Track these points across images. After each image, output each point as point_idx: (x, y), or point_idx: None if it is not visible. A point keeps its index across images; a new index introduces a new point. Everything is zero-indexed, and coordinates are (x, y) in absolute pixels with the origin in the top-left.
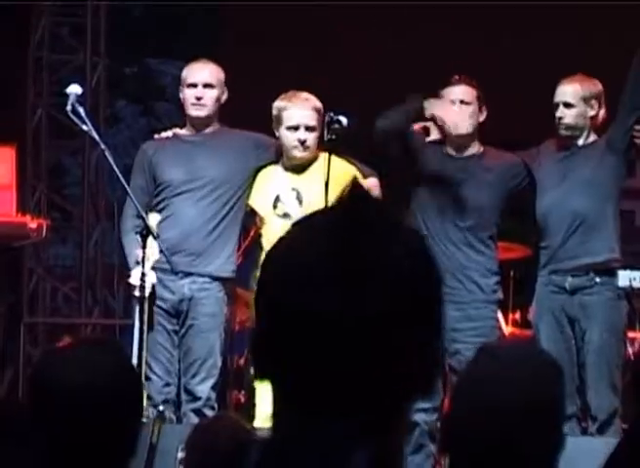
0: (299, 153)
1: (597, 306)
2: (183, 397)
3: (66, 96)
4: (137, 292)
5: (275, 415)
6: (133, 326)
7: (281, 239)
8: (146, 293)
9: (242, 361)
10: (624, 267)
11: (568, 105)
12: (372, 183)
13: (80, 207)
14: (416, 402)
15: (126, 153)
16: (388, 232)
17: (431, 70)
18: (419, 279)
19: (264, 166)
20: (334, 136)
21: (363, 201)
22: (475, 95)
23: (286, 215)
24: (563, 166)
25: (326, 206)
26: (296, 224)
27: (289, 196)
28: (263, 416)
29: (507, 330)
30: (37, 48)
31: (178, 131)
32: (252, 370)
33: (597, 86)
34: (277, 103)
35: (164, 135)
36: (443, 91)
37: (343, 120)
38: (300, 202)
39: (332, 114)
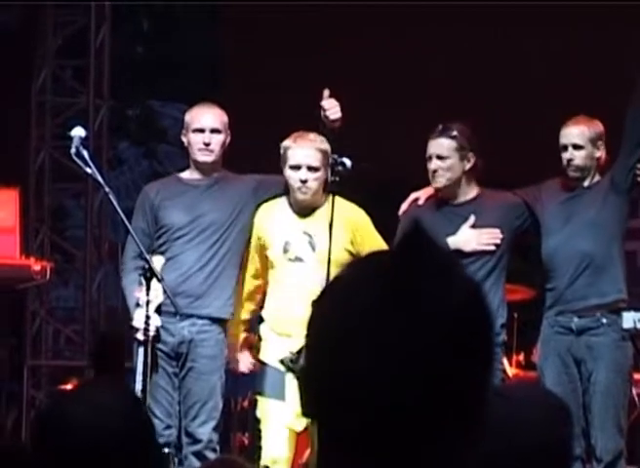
0: (300, 195)
1: (603, 347)
2: (184, 440)
3: (70, 138)
4: (140, 335)
5: (321, 457)
6: (134, 368)
7: (334, 280)
8: (150, 337)
9: (246, 403)
10: (628, 309)
11: (577, 147)
12: None
13: (83, 249)
14: (462, 447)
15: (128, 195)
16: (447, 278)
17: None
18: (476, 328)
19: (267, 200)
20: (337, 178)
21: (421, 242)
22: (454, 146)
23: (298, 259)
24: (568, 207)
25: (370, 250)
26: (350, 265)
27: (300, 240)
28: (269, 459)
29: (511, 371)
30: (40, 91)
31: (181, 174)
32: (256, 412)
33: (600, 127)
34: (284, 143)
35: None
36: (428, 143)
37: (347, 162)
38: (313, 247)
39: (336, 156)
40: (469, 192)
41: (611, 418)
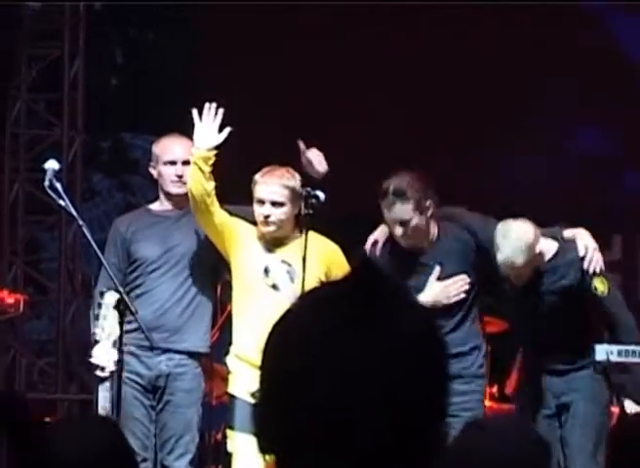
0: (263, 228)
1: (581, 380)
2: None
3: (44, 171)
4: (99, 372)
5: None
6: (95, 405)
7: (287, 312)
8: (109, 373)
9: (219, 436)
10: (601, 341)
11: None
12: None
13: (56, 282)
14: None
15: (102, 228)
16: (399, 308)
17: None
18: (430, 359)
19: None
20: (311, 211)
21: (374, 274)
22: (411, 208)
23: (275, 287)
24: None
25: (327, 279)
26: (302, 297)
27: (279, 268)
28: None
29: (486, 403)
30: (14, 123)
31: (150, 206)
32: (228, 446)
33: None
34: (254, 177)
35: None
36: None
37: (321, 195)
38: (292, 278)
39: (309, 189)
40: (431, 234)
41: (589, 452)
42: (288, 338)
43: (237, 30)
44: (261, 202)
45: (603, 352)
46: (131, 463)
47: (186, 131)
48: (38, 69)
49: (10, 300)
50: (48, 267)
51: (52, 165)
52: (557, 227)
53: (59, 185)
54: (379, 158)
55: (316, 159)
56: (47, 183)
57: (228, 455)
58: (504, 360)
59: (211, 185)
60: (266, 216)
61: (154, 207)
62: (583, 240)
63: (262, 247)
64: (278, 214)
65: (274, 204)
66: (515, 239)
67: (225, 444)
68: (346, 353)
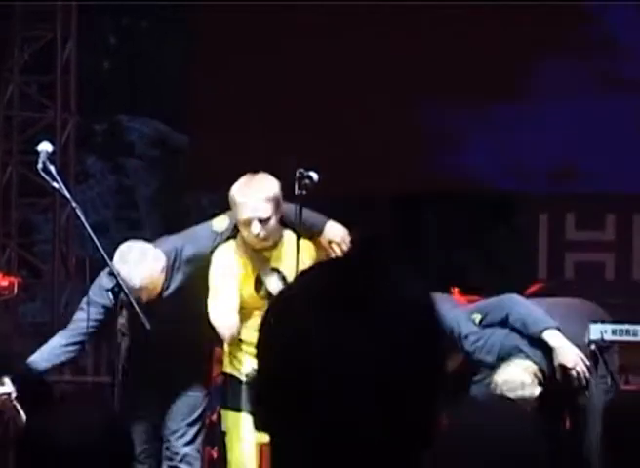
0: (259, 244)
1: None
2: (163, 453)
3: (37, 153)
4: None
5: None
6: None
7: (286, 292)
8: None
9: (214, 417)
10: (595, 321)
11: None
12: None
13: (50, 264)
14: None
15: (95, 210)
16: (400, 289)
17: None
18: (428, 341)
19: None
20: (304, 192)
21: (376, 246)
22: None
23: (270, 296)
24: None
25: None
26: (304, 273)
27: (271, 277)
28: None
29: None
30: (7, 105)
31: None
32: (222, 426)
33: None
34: (231, 193)
35: None
36: None
37: (314, 175)
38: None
39: (302, 170)
40: None
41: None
42: (285, 319)
43: (232, 22)
44: (248, 222)
45: (597, 331)
46: (127, 448)
47: (182, 114)
48: (31, 52)
49: (4, 283)
50: (42, 249)
51: (45, 147)
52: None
53: (52, 167)
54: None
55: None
56: (40, 166)
57: (222, 434)
58: None
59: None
60: (256, 235)
61: None
62: (565, 357)
63: (251, 258)
64: (268, 229)
65: (261, 221)
66: None
67: (220, 425)
68: (342, 334)
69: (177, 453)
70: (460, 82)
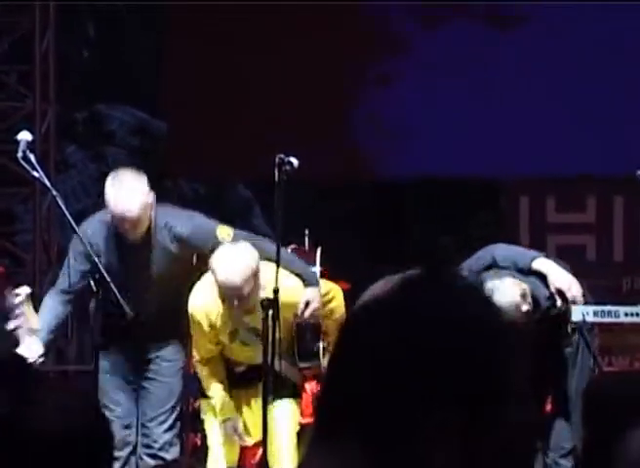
0: (239, 309)
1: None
2: (141, 440)
3: (17, 143)
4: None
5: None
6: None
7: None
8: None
9: (197, 404)
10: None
11: None
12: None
13: (31, 253)
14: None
15: (76, 198)
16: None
17: None
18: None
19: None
20: (285, 178)
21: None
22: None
23: (245, 343)
24: None
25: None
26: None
27: (246, 332)
28: (214, 459)
29: None
30: None
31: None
32: (201, 414)
33: None
34: (212, 266)
35: None
36: None
37: (294, 161)
38: (260, 338)
39: (282, 156)
40: None
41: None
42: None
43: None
44: (229, 297)
45: (579, 312)
46: (107, 434)
47: (158, 102)
48: (9, 41)
49: None
50: (23, 239)
51: (24, 136)
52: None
53: (32, 157)
54: None
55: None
56: (20, 155)
57: (201, 422)
58: None
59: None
60: (238, 306)
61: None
62: (559, 280)
63: (229, 312)
64: (249, 299)
65: (241, 298)
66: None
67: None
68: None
69: (156, 441)
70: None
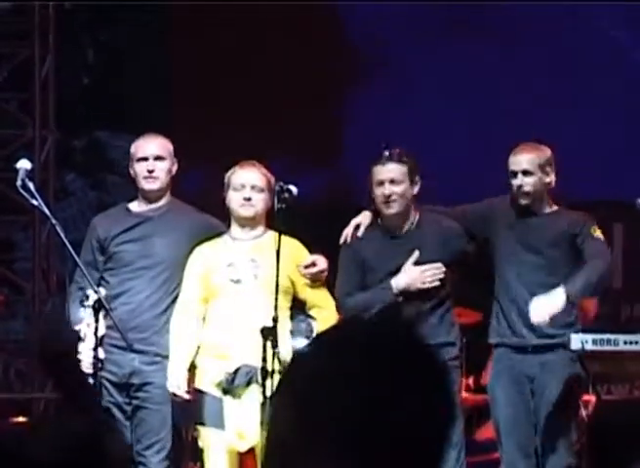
0: (244, 212)
1: (557, 364)
2: None
3: (16, 171)
4: (84, 368)
5: None
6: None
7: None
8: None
9: (195, 433)
10: (577, 330)
11: (526, 173)
12: (321, 261)
13: (31, 281)
14: None
15: (75, 227)
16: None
17: None
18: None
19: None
20: (284, 206)
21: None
22: (404, 171)
23: (238, 282)
24: (521, 235)
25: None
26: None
27: (244, 265)
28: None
29: (461, 395)
30: None
31: (129, 205)
32: (199, 442)
33: (548, 152)
34: (229, 172)
35: None
36: (373, 169)
37: (293, 189)
38: (256, 274)
39: (281, 184)
40: (413, 219)
41: (562, 436)
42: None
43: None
44: (242, 186)
45: (578, 341)
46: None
47: (162, 129)
48: (9, 69)
49: None
50: (22, 267)
51: (24, 164)
52: None
53: (31, 185)
54: None
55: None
56: (19, 183)
57: (200, 451)
58: (480, 351)
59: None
60: (247, 199)
61: (134, 207)
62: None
63: (229, 244)
64: (258, 198)
65: (254, 187)
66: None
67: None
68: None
69: None
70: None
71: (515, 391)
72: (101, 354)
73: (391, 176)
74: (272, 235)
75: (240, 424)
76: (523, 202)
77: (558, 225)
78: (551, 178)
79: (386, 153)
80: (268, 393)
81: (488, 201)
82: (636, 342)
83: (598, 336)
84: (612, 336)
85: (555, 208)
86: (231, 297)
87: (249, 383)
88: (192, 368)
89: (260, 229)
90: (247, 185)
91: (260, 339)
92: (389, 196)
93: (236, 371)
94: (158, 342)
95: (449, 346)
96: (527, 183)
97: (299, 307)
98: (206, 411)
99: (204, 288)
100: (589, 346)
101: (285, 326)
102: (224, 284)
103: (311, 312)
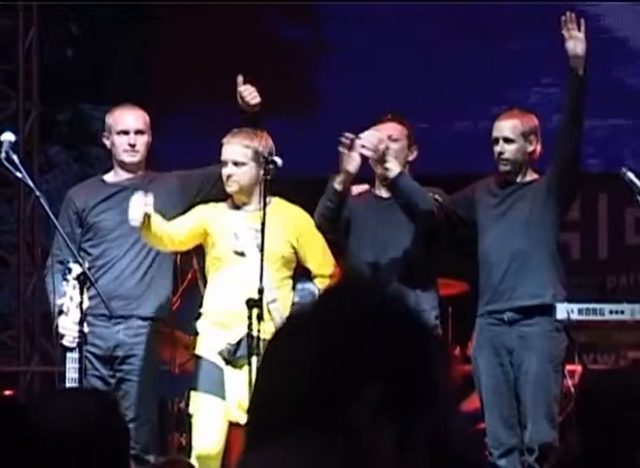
0: (228, 188)
1: (535, 337)
2: None
3: (0, 143)
4: (67, 342)
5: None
6: (63, 375)
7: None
8: (75, 343)
9: (182, 404)
10: (562, 300)
11: (508, 141)
12: None
13: (16, 254)
14: None
15: (60, 199)
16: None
17: None
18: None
19: (210, 201)
20: (269, 177)
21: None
22: (405, 133)
23: (242, 254)
24: (502, 204)
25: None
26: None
27: (247, 235)
28: (199, 451)
29: None
30: None
31: (105, 177)
32: (189, 409)
33: (534, 120)
34: (223, 143)
35: None
36: (373, 127)
37: (278, 161)
38: (258, 244)
39: (266, 155)
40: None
41: (542, 409)
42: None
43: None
44: (225, 163)
45: (564, 310)
46: (123, 436)
47: (143, 101)
48: None
49: None
50: (7, 240)
51: (8, 137)
52: None
53: (15, 157)
54: None
55: (247, 92)
56: (3, 155)
57: (189, 417)
58: (465, 321)
59: (162, 236)
60: (229, 176)
61: (109, 178)
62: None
63: (232, 214)
64: (240, 173)
65: (236, 163)
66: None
67: (188, 411)
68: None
69: (137, 442)
70: None
71: (496, 363)
72: (86, 328)
73: (390, 133)
74: (277, 202)
75: (241, 395)
76: (502, 169)
77: (534, 192)
78: (534, 147)
79: (388, 116)
80: (254, 366)
81: (473, 184)
82: (622, 312)
83: (584, 306)
84: (597, 306)
85: (535, 176)
86: (235, 268)
87: (250, 355)
88: (187, 340)
89: (253, 194)
90: (229, 162)
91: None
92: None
93: (239, 343)
94: (143, 306)
95: (427, 315)
96: (507, 150)
97: (306, 276)
98: (204, 377)
99: (196, 225)
100: (575, 316)
101: (286, 296)
102: (228, 254)
103: (315, 281)
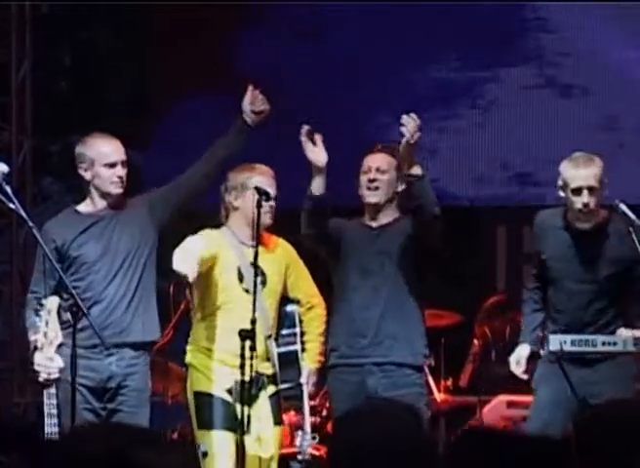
0: (265, 220)
1: (610, 368)
2: None
3: None
4: (42, 378)
5: None
6: (42, 412)
7: None
8: (53, 378)
9: (175, 435)
10: (555, 331)
11: (592, 190)
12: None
13: (9, 284)
14: None
15: None
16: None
17: None
18: None
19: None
20: (260, 209)
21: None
22: (394, 164)
23: (247, 291)
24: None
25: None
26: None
27: (251, 272)
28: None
29: (439, 397)
30: None
31: (78, 208)
32: (201, 447)
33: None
34: (248, 174)
35: None
36: (364, 159)
37: (271, 192)
38: (264, 282)
39: (258, 186)
40: (390, 215)
41: None
42: None
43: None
44: (266, 194)
45: (557, 342)
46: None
47: (135, 135)
48: None
49: None
50: (0, 270)
51: (1, 168)
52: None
53: (8, 188)
54: None
55: (259, 96)
56: None
57: (204, 455)
58: (458, 352)
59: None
60: (271, 206)
61: (83, 208)
62: None
63: (235, 248)
64: (274, 206)
65: (275, 198)
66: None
67: (181, 442)
68: None
69: None
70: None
71: (561, 392)
72: (60, 362)
73: (378, 164)
74: (270, 238)
75: (258, 430)
76: (584, 226)
77: (612, 243)
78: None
79: (378, 146)
80: (246, 394)
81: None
82: (614, 343)
83: (577, 337)
84: (590, 337)
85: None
86: (242, 305)
87: (260, 390)
88: (180, 371)
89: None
90: (271, 196)
91: (268, 347)
92: (374, 180)
93: (250, 382)
94: (135, 332)
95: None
96: (592, 201)
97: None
98: (217, 415)
99: (209, 259)
100: (568, 347)
101: (274, 326)
102: (236, 290)
103: (302, 310)
